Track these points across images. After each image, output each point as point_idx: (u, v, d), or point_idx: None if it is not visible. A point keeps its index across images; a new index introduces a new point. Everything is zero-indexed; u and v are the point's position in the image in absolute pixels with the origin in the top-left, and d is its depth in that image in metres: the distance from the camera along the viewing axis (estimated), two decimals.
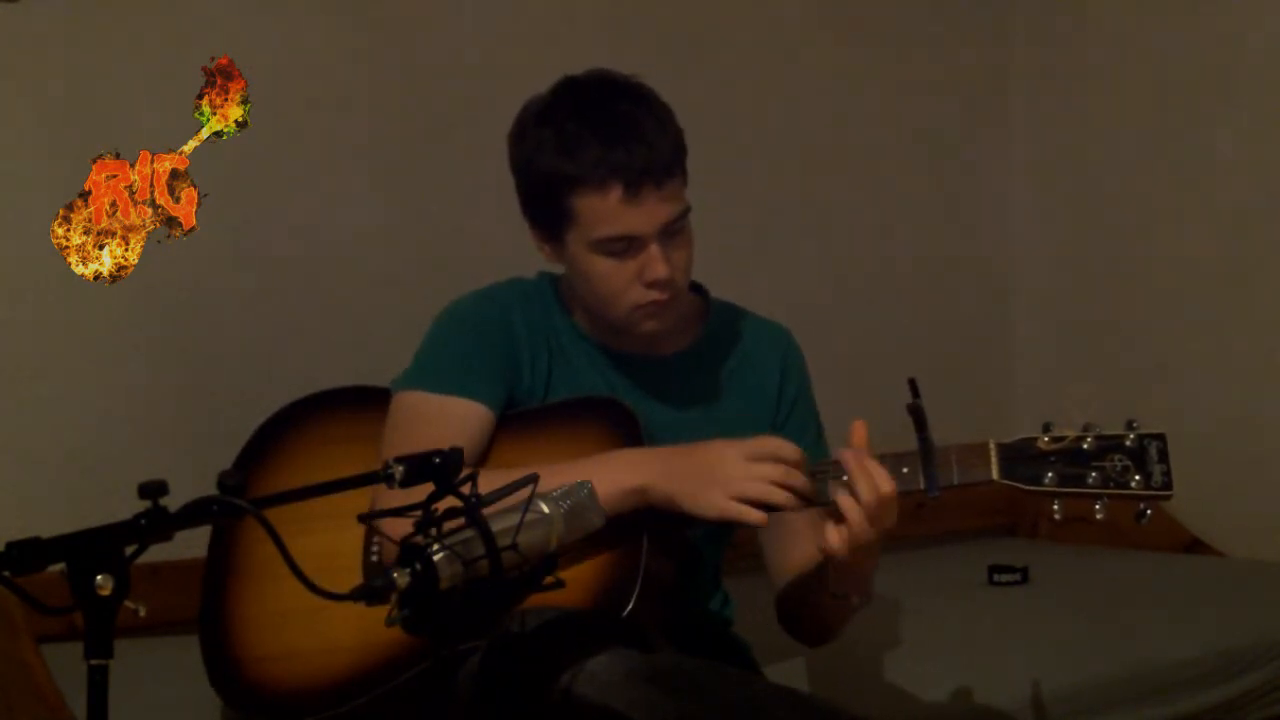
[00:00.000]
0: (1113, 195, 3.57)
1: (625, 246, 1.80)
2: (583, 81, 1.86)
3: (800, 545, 1.88)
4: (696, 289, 2.01)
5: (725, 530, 1.92)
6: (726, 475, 1.69)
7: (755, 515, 1.68)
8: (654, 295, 1.83)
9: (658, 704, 1.51)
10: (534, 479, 1.34)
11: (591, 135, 1.78)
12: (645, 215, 1.78)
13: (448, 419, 1.82)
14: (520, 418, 1.89)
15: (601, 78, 1.86)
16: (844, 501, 1.63)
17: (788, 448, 1.71)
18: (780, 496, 1.68)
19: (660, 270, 1.80)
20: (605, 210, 1.78)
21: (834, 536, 1.63)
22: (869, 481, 1.62)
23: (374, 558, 1.83)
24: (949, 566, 3.17)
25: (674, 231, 1.82)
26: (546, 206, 1.84)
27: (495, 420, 1.86)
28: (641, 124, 1.79)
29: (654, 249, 1.80)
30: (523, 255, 1.97)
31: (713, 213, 2.07)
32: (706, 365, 1.98)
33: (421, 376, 1.88)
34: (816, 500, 1.70)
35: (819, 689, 2.18)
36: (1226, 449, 3.24)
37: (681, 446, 1.75)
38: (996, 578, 3.00)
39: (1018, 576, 2.99)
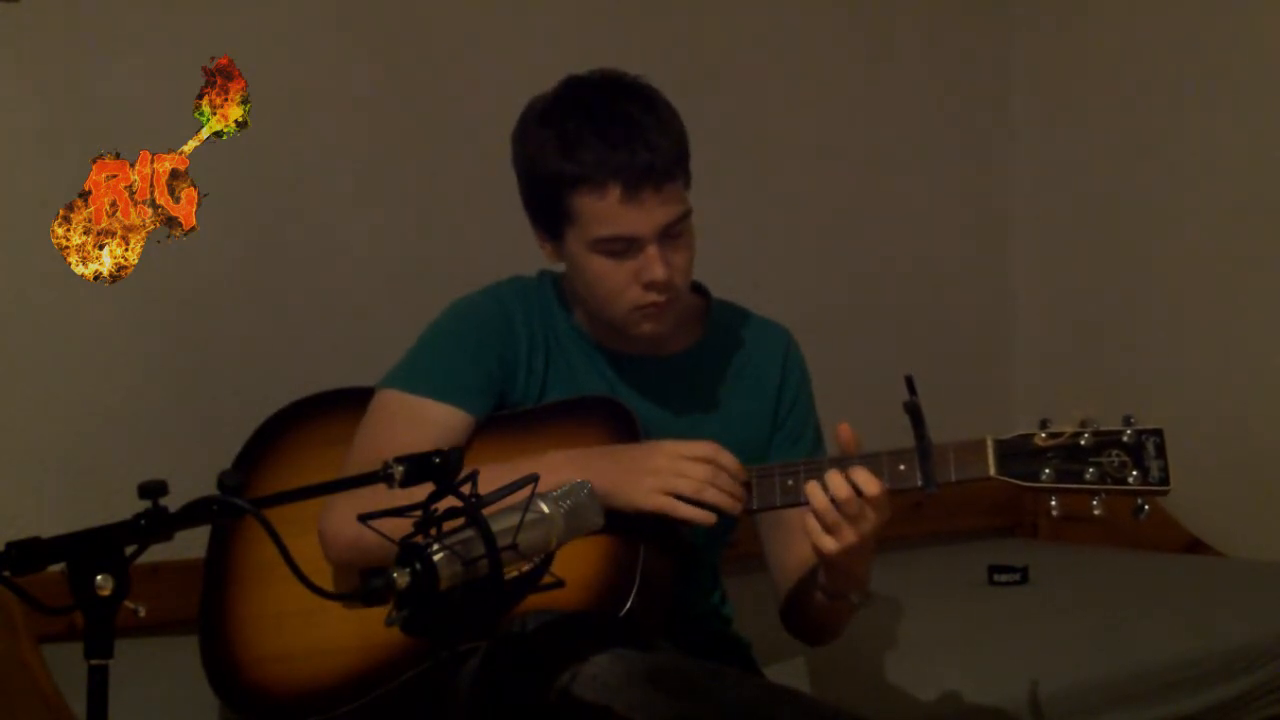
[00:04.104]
0: (1113, 195, 3.57)
1: (624, 247, 1.80)
2: (587, 81, 1.86)
3: (799, 543, 1.88)
4: (698, 289, 2.00)
5: (723, 529, 1.93)
6: (655, 468, 1.70)
7: (686, 510, 1.69)
8: (652, 297, 1.82)
9: (657, 704, 1.51)
10: (534, 479, 1.34)
11: (593, 135, 1.77)
12: (644, 217, 1.78)
13: (422, 423, 1.82)
14: (517, 417, 1.89)
15: (605, 78, 1.86)
16: (811, 490, 1.64)
17: (724, 455, 1.73)
18: (712, 495, 1.70)
19: (658, 272, 1.79)
20: (604, 211, 1.77)
21: (813, 530, 1.65)
22: (838, 477, 1.64)
23: None
24: (949, 566, 3.16)
25: (674, 234, 1.81)
26: (547, 205, 1.84)
27: (474, 426, 1.86)
28: (643, 125, 1.78)
29: (652, 250, 1.79)
30: (524, 256, 1.97)
31: (714, 213, 2.07)
32: (707, 366, 1.98)
33: (404, 377, 1.88)
34: (752, 507, 1.74)
35: (819, 689, 2.18)
36: (1226, 449, 3.24)
37: (622, 445, 1.77)
38: (996, 578, 3.00)
39: (1018, 576, 2.99)
